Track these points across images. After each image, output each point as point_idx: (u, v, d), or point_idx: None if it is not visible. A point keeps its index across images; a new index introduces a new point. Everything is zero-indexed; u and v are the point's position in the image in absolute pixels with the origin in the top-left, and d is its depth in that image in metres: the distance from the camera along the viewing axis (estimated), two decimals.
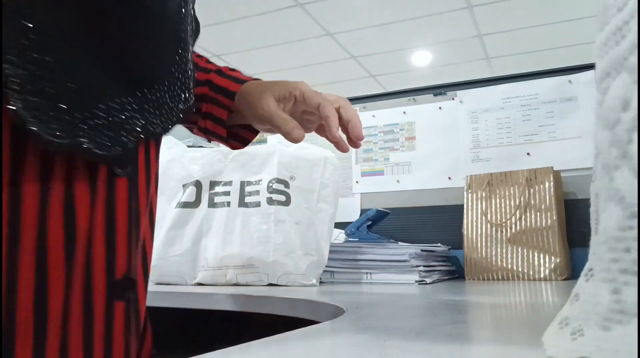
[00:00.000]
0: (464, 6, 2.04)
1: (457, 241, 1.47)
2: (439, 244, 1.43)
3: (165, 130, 0.51)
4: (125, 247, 0.47)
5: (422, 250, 1.28)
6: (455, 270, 1.46)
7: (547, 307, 0.65)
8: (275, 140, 1.34)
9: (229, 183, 1.25)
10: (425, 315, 0.56)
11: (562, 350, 0.30)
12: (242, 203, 1.22)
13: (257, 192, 1.21)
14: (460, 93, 1.63)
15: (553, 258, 1.27)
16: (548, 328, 0.35)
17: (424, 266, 1.23)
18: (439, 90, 1.66)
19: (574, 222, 1.38)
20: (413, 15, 2.16)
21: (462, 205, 1.45)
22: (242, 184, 1.24)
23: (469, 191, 1.46)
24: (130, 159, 0.47)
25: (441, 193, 1.60)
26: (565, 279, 1.25)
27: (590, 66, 1.48)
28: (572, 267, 1.33)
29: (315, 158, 1.26)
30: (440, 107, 1.65)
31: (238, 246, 1.18)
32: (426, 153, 1.65)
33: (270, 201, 1.19)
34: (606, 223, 0.17)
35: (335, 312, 0.68)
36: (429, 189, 1.62)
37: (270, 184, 1.21)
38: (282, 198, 1.20)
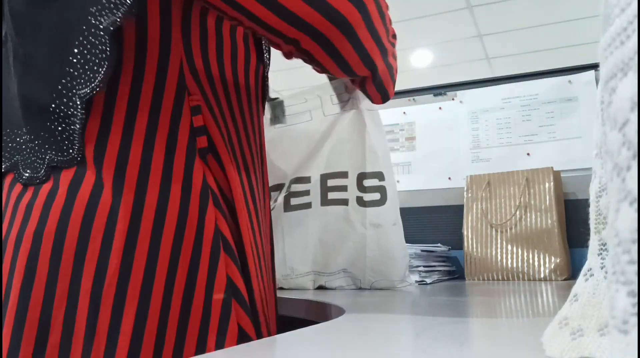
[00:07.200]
0: (464, 6, 2.04)
1: (457, 241, 1.47)
2: (439, 244, 1.42)
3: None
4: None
5: (422, 250, 1.27)
6: (455, 270, 1.46)
7: (547, 307, 0.65)
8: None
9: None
10: (425, 315, 0.56)
11: (562, 350, 0.30)
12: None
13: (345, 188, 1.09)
14: (460, 93, 1.63)
15: (553, 258, 1.27)
16: (547, 329, 0.35)
17: (424, 266, 1.23)
18: (439, 90, 1.66)
19: (574, 222, 1.38)
20: (413, 15, 2.15)
21: (462, 205, 1.45)
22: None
23: (469, 191, 1.45)
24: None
25: (441, 193, 1.60)
26: (565, 279, 1.25)
27: (591, 66, 1.48)
28: (572, 267, 1.33)
29: None
30: (440, 108, 1.65)
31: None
32: (426, 153, 1.65)
33: (360, 202, 1.08)
34: (621, 224, 0.17)
35: (335, 312, 0.68)
36: (429, 190, 1.62)
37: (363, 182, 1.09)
38: (377, 196, 1.10)
